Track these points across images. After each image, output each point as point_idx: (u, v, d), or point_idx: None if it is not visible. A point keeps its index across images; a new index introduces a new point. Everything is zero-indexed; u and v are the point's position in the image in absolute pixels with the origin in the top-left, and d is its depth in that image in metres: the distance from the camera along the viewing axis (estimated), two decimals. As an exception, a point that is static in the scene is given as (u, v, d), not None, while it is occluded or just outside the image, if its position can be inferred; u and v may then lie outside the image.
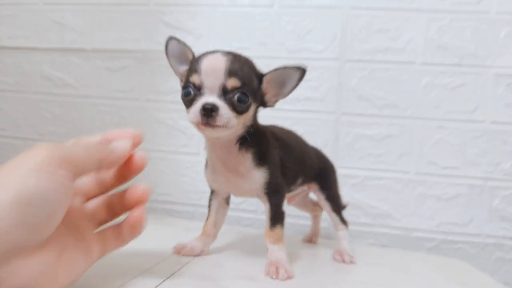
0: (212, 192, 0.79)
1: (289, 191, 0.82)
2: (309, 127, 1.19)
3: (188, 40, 1.25)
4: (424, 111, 1.15)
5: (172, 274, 0.61)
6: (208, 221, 0.78)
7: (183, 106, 0.66)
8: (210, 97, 0.61)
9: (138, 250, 0.74)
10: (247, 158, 0.69)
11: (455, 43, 1.14)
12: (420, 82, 1.15)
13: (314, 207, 1.00)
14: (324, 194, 0.88)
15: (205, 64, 0.62)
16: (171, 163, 1.27)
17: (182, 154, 1.27)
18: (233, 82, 0.61)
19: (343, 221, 0.89)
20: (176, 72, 0.71)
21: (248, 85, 0.63)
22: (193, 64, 0.64)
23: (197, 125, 0.61)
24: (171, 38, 0.70)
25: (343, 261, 0.81)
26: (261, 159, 0.69)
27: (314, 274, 0.72)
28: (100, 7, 1.32)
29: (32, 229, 0.38)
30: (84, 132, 1.29)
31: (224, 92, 0.61)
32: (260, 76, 0.67)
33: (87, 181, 0.53)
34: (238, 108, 0.62)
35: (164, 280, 0.58)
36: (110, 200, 0.54)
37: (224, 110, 0.60)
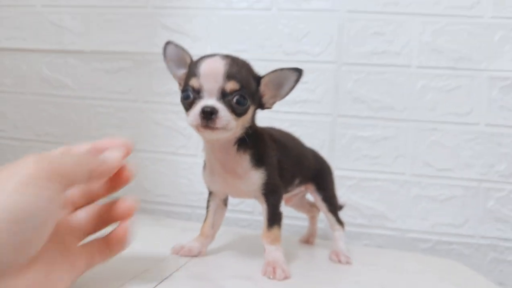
0: (210, 193, 0.79)
1: (286, 192, 0.83)
2: (306, 128, 1.20)
3: (186, 43, 1.26)
4: (419, 113, 1.16)
5: (171, 275, 0.62)
6: (206, 222, 0.79)
7: (181, 108, 0.67)
8: (209, 100, 0.62)
9: (136, 251, 0.75)
10: (245, 160, 0.70)
11: (450, 46, 1.15)
12: (416, 85, 1.17)
13: (311, 208, 1.01)
14: (321, 195, 0.88)
15: (204, 68, 0.62)
16: (169, 164, 1.28)
17: (180, 156, 1.27)
18: (231, 85, 0.62)
19: (340, 222, 0.90)
20: (174, 76, 0.72)
21: (246, 87, 0.63)
22: (192, 67, 0.65)
23: (196, 127, 0.62)
24: (168, 43, 0.70)
25: (339, 261, 0.82)
26: (258, 161, 0.70)
27: (311, 274, 0.73)
28: (98, 9, 1.32)
29: (20, 247, 0.36)
30: (82, 133, 1.31)
31: (223, 95, 0.62)
32: (258, 78, 0.68)
33: (74, 191, 0.51)
34: (237, 111, 0.63)
35: (163, 280, 0.59)
36: (97, 211, 0.52)
37: (223, 113, 0.61)
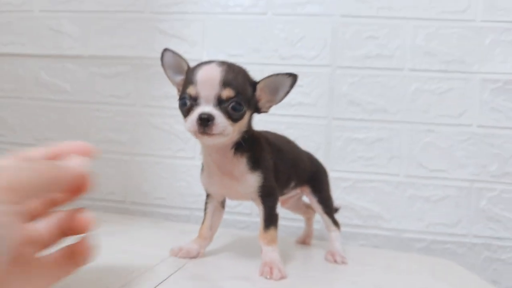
0: (208, 195, 0.81)
1: (282, 194, 0.85)
2: (302, 131, 1.22)
3: (183, 48, 1.29)
4: (413, 115, 1.18)
5: (170, 276, 0.63)
6: (204, 224, 0.80)
7: (178, 112, 0.68)
8: (206, 107, 0.63)
9: (135, 252, 0.76)
10: (242, 163, 0.71)
11: (442, 49, 1.18)
12: (409, 88, 1.19)
13: (307, 209, 1.02)
14: (317, 197, 0.90)
15: (200, 75, 0.64)
16: (167, 168, 1.29)
17: (178, 159, 1.29)
18: (227, 92, 0.63)
19: (335, 223, 0.91)
20: (173, 82, 0.74)
21: (242, 94, 0.65)
22: (189, 75, 0.67)
23: (194, 133, 0.64)
24: (166, 50, 0.72)
25: (335, 261, 0.84)
26: (255, 164, 0.72)
27: (307, 274, 0.75)
28: (96, 14, 1.33)
29: None
30: (80, 138, 1.31)
31: (219, 102, 0.64)
32: (253, 84, 0.69)
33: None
34: (233, 116, 0.64)
35: (162, 281, 0.60)
36: (57, 222, 0.47)
37: (220, 119, 0.62)
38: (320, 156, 1.01)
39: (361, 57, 1.20)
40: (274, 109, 0.74)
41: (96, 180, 0.46)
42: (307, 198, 0.93)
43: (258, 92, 0.70)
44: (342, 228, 0.93)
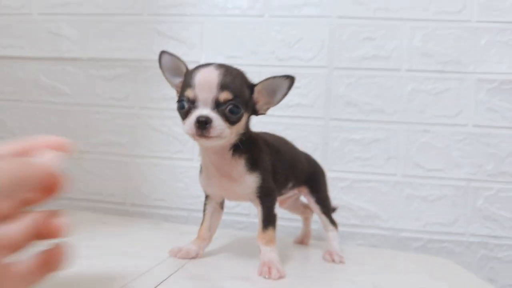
0: (207, 197, 0.81)
1: (280, 194, 0.85)
2: (299, 132, 1.23)
3: (181, 49, 1.30)
4: (410, 116, 1.19)
5: (170, 276, 0.64)
6: (203, 225, 0.81)
7: (177, 114, 0.69)
8: (203, 110, 0.64)
9: (135, 254, 0.77)
10: (240, 164, 0.72)
11: (438, 50, 1.19)
12: (405, 88, 1.20)
13: (305, 209, 1.03)
14: (314, 197, 0.91)
15: (198, 79, 0.65)
16: (165, 169, 1.30)
17: (176, 160, 1.29)
18: (225, 95, 0.64)
19: (333, 223, 0.92)
20: (171, 84, 0.74)
21: (240, 96, 0.66)
22: (187, 78, 0.68)
23: (192, 136, 0.64)
24: (163, 53, 0.72)
25: (333, 261, 0.84)
26: (253, 165, 0.73)
27: (305, 273, 0.75)
28: (95, 17, 1.34)
29: None
30: (80, 140, 1.32)
31: (217, 105, 0.64)
32: (251, 86, 0.70)
33: None
34: (231, 119, 0.65)
35: (162, 281, 0.61)
36: (28, 225, 0.42)
37: (217, 122, 0.63)
38: (317, 156, 1.02)
39: (358, 58, 1.21)
40: (272, 110, 0.75)
41: (71, 178, 0.42)
42: (305, 198, 0.94)
43: (256, 95, 0.70)
44: (340, 228, 0.94)
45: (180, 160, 1.29)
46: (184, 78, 0.70)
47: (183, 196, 1.29)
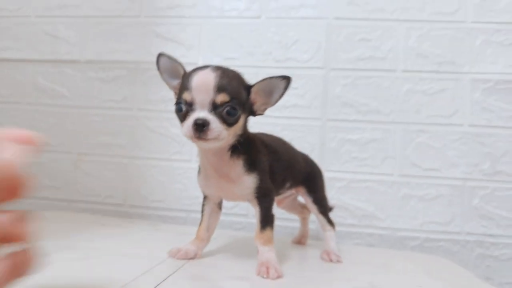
0: (205, 197, 0.82)
1: (278, 194, 0.86)
2: (297, 132, 1.23)
3: (179, 51, 1.30)
4: (406, 116, 1.20)
5: (169, 276, 0.64)
6: (201, 226, 0.81)
7: (174, 115, 0.70)
8: (201, 113, 0.64)
9: (134, 254, 0.78)
10: (238, 165, 0.73)
11: (433, 51, 1.20)
12: (401, 89, 1.21)
13: (302, 209, 1.03)
14: (312, 197, 0.91)
15: (195, 81, 0.65)
16: (164, 170, 1.30)
17: (174, 161, 1.30)
18: (222, 97, 0.65)
19: (330, 223, 0.93)
20: (169, 86, 0.75)
21: (237, 98, 0.66)
22: (184, 81, 0.68)
23: (190, 138, 0.65)
24: (161, 55, 0.73)
25: (331, 260, 0.85)
26: (251, 165, 0.73)
27: (303, 273, 0.76)
28: (93, 19, 1.35)
29: None
30: (78, 142, 1.33)
31: (214, 107, 0.65)
32: (248, 88, 0.71)
33: None
34: (228, 121, 0.66)
35: (161, 282, 0.61)
36: None
37: (215, 124, 0.64)
38: (314, 157, 1.03)
39: (354, 59, 1.22)
40: (269, 111, 0.75)
41: (36, 177, 0.37)
42: (303, 198, 0.94)
43: (253, 96, 0.71)
44: (337, 228, 0.95)
45: (178, 161, 1.29)
46: (182, 80, 0.70)
47: (181, 197, 1.29)
